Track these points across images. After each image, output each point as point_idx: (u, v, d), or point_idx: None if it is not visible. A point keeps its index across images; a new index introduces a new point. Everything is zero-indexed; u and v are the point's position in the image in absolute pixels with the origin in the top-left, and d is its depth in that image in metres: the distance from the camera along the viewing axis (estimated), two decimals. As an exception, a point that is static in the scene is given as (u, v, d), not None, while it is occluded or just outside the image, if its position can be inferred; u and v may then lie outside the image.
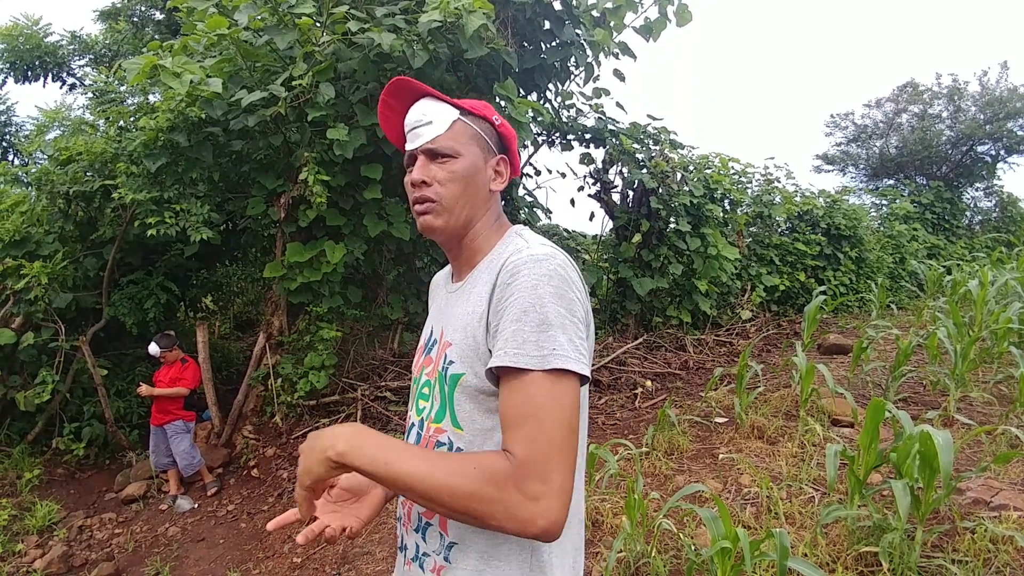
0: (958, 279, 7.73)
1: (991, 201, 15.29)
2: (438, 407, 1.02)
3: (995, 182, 14.85)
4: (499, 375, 0.91)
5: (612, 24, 5.19)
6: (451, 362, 0.99)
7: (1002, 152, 14.15)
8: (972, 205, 15.00)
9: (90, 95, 6.21)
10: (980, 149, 14.10)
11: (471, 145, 1.06)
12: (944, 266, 10.49)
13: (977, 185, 14.92)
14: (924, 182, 14.25)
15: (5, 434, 4.98)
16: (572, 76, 5.75)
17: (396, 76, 1.10)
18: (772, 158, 10.29)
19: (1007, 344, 4.72)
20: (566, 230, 7.98)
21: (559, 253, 0.96)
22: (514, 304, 0.90)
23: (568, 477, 0.85)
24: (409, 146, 1.08)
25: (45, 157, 5.04)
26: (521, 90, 5.31)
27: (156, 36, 7.28)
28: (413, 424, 1.10)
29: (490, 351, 0.92)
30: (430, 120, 1.05)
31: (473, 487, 0.83)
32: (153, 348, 4.55)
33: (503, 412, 0.89)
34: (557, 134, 6.56)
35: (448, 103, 1.07)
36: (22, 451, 4.85)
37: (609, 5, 5.08)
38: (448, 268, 1.21)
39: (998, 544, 2.38)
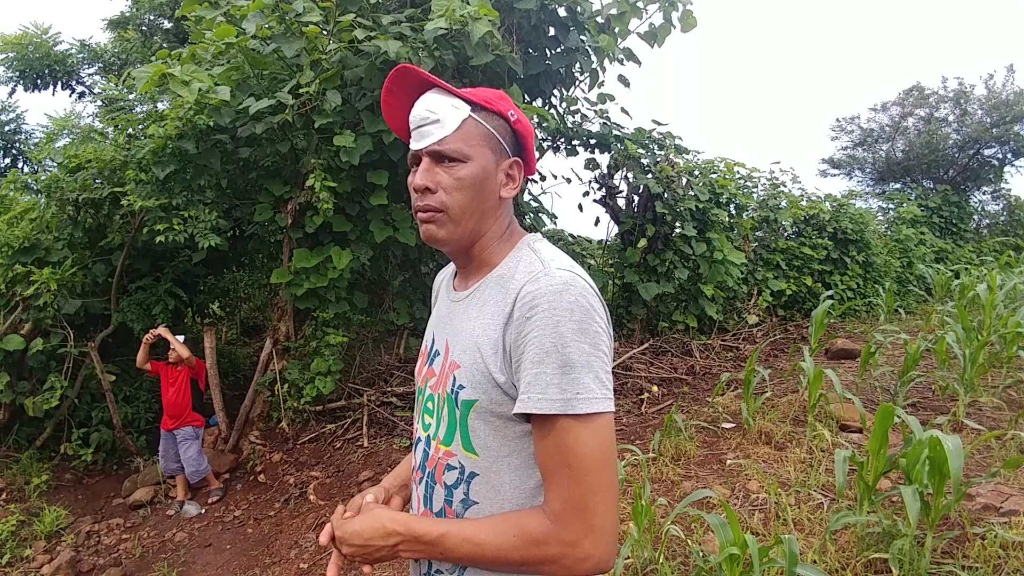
0: (966, 283, 7.69)
1: (999, 204, 15.23)
2: (446, 429, 0.98)
3: (1002, 185, 14.79)
4: (528, 417, 0.89)
5: (617, 30, 5.21)
6: (461, 386, 0.94)
7: (1009, 155, 14.07)
8: (980, 209, 14.93)
9: (99, 103, 6.27)
10: (987, 152, 14.02)
11: (482, 147, 0.96)
12: (952, 270, 10.42)
13: (984, 188, 14.84)
14: (931, 186, 14.18)
15: (13, 440, 5.00)
16: (577, 82, 5.77)
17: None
18: (778, 162, 10.37)
19: (1016, 348, 4.69)
20: (572, 235, 7.99)
21: (578, 278, 0.88)
22: (534, 344, 0.85)
23: (607, 512, 0.85)
24: (414, 145, 0.98)
25: (54, 165, 5.07)
26: (526, 96, 5.33)
27: (164, 45, 7.35)
28: (420, 439, 1.06)
29: (515, 385, 0.89)
30: (438, 118, 0.94)
31: (519, 555, 0.87)
32: (181, 338, 4.64)
33: (538, 459, 0.89)
34: (562, 139, 6.58)
35: (459, 97, 0.97)
36: (30, 456, 4.87)
37: (614, 11, 5.10)
38: (452, 267, 1.14)
39: (1008, 550, 2.36)
